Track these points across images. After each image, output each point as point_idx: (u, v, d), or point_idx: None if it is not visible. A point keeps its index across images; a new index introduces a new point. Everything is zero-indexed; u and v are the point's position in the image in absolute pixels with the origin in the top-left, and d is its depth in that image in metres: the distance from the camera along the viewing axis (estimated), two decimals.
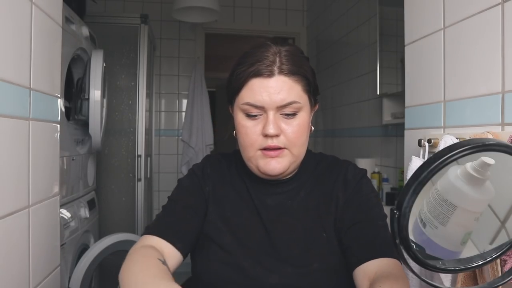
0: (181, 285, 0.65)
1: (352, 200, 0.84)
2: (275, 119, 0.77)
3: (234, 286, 0.80)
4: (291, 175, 0.87)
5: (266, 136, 0.78)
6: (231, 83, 0.82)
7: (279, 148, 0.79)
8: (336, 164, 0.91)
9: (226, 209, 0.86)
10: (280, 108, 0.77)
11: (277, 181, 0.86)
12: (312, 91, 0.82)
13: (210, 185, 0.89)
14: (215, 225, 0.85)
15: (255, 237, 0.83)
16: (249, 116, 0.79)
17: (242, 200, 0.87)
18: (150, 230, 0.82)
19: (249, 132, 0.79)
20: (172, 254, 0.79)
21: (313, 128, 0.86)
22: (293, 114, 0.78)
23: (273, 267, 0.80)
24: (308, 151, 0.90)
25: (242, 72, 0.78)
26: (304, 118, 0.80)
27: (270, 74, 0.76)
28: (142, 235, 0.82)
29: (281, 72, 0.77)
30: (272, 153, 0.79)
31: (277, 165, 0.80)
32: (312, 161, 0.91)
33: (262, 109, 0.77)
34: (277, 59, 0.77)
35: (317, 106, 0.87)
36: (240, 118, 0.80)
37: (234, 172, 0.91)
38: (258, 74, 0.76)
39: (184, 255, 0.82)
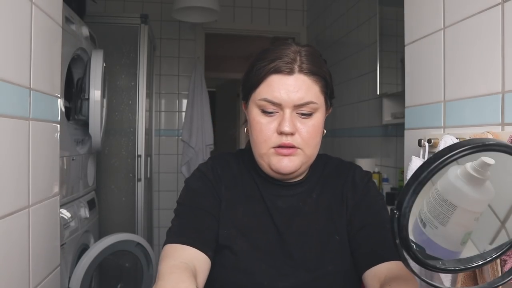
0: None
1: (360, 202, 0.85)
2: (291, 118, 0.77)
3: None
4: (301, 177, 0.87)
5: (281, 133, 0.77)
6: (249, 78, 0.81)
7: (293, 147, 0.78)
8: (342, 166, 0.91)
9: (238, 211, 0.84)
10: (297, 107, 0.77)
11: (287, 183, 0.85)
12: (329, 93, 0.82)
13: (222, 187, 0.85)
14: (227, 230, 0.82)
15: (268, 239, 0.82)
16: (265, 112, 0.78)
17: (254, 201, 0.85)
18: (180, 238, 0.77)
19: (264, 128, 0.78)
20: (204, 264, 0.75)
21: (325, 131, 0.85)
22: (309, 114, 0.78)
23: (287, 271, 0.79)
24: None
25: (262, 68, 0.77)
26: (319, 119, 0.80)
27: (290, 72, 0.76)
28: (166, 243, 0.77)
29: (301, 70, 0.76)
30: (285, 151, 0.78)
31: (289, 163, 0.79)
32: (320, 162, 0.91)
33: (279, 106, 0.77)
34: (298, 58, 0.77)
35: (330, 110, 0.87)
36: (255, 114, 0.79)
37: (243, 172, 0.89)
38: (278, 70, 0.76)
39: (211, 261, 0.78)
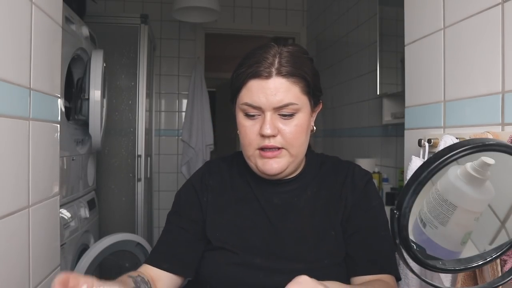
0: None
1: (359, 204, 0.86)
2: (272, 120, 0.78)
3: (244, 286, 0.80)
4: (295, 174, 0.88)
5: (263, 136, 0.79)
6: (232, 83, 0.83)
7: (277, 149, 0.80)
8: (340, 164, 0.93)
9: (229, 214, 0.87)
10: (277, 109, 0.78)
11: (281, 180, 0.87)
12: (312, 92, 0.83)
13: (208, 195, 0.89)
14: (219, 233, 0.85)
15: (263, 236, 0.84)
16: (248, 116, 0.80)
17: (246, 202, 0.87)
18: (150, 259, 0.87)
19: (248, 131, 0.81)
20: (160, 276, 0.83)
21: (315, 128, 0.87)
22: (291, 115, 0.79)
23: (283, 265, 0.81)
24: (311, 151, 0.92)
25: (242, 73, 0.80)
26: (302, 119, 0.80)
27: (268, 76, 0.77)
28: (144, 262, 0.87)
29: (278, 73, 0.77)
30: (269, 153, 0.80)
31: (275, 164, 0.81)
32: (316, 160, 0.92)
33: (260, 109, 0.78)
34: (276, 61, 0.78)
35: (320, 107, 0.88)
36: (240, 118, 0.82)
37: (235, 175, 0.91)
38: (256, 75, 0.78)
39: (177, 272, 0.85)
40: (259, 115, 0.80)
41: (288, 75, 0.78)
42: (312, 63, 0.84)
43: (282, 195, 0.87)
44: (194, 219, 0.88)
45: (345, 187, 0.87)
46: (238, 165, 0.92)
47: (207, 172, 0.93)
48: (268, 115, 0.78)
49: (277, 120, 0.79)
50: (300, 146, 0.82)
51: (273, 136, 0.79)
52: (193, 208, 0.88)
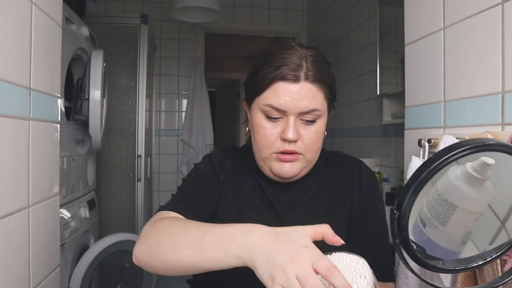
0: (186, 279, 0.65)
1: (365, 206, 0.87)
2: (295, 125, 0.77)
3: (248, 279, 0.80)
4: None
5: (284, 140, 0.78)
6: (254, 82, 0.81)
7: (295, 153, 0.79)
8: (345, 159, 0.93)
9: (240, 202, 0.86)
10: (301, 114, 0.77)
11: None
12: (332, 98, 0.83)
13: (225, 175, 0.88)
14: (229, 216, 0.84)
15: None
16: (269, 118, 0.79)
17: (256, 195, 0.87)
18: (166, 206, 0.80)
19: (267, 133, 0.79)
20: None
21: (325, 133, 0.86)
22: (313, 121, 0.79)
23: None
24: None
25: (268, 74, 0.77)
26: (321, 125, 0.81)
27: (296, 80, 0.76)
28: (158, 210, 0.79)
29: (307, 78, 0.76)
30: (287, 157, 0.79)
31: (290, 168, 0.80)
32: (321, 158, 0.92)
33: (284, 113, 0.77)
34: (304, 64, 0.77)
35: (333, 111, 0.87)
36: (259, 119, 0.80)
37: (246, 168, 0.91)
38: (284, 78, 0.76)
39: None
40: (281, 118, 0.78)
41: (315, 81, 0.77)
42: (330, 67, 0.83)
43: (288, 193, 0.87)
44: (211, 192, 0.85)
45: (351, 185, 0.88)
46: (248, 160, 0.92)
47: (227, 157, 0.91)
48: (292, 119, 0.77)
49: (299, 124, 0.78)
50: (316, 152, 0.82)
51: (294, 141, 0.78)
52: (213, 183, 0.87)
